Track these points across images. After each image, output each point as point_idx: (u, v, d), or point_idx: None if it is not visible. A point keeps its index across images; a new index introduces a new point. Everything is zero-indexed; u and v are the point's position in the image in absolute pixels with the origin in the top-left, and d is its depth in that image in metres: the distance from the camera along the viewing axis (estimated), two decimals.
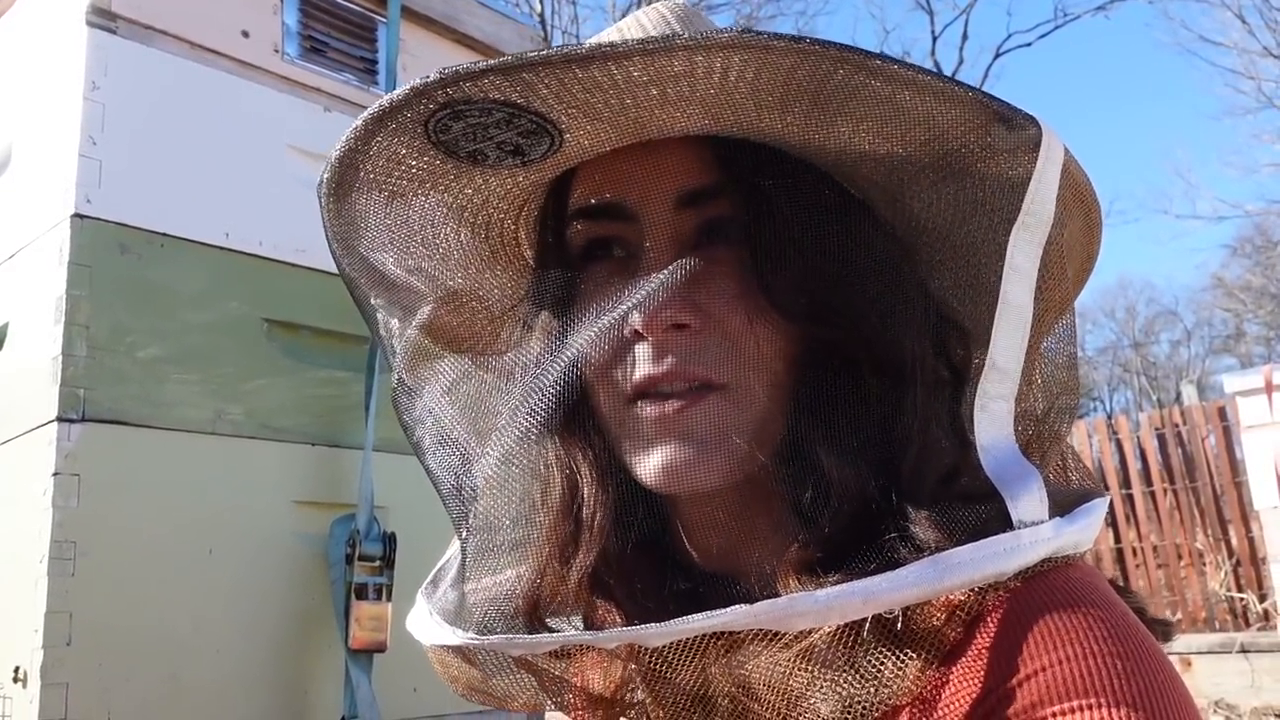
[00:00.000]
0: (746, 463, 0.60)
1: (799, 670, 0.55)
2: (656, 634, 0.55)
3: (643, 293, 0.60)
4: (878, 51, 0.54)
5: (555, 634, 0.62)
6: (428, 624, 0.66)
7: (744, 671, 0.56)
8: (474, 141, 0.61)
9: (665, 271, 0.60)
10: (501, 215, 0.70)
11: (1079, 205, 0.60)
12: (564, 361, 0.61)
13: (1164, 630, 0.62)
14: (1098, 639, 0.52)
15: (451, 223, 0.69)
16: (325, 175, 0.64)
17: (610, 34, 0.70)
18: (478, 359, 0.74)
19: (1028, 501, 0.54)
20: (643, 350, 0.61)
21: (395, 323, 0.73)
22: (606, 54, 0.52)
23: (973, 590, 0.53)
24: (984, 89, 0.55)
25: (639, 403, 0.62)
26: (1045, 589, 0.55)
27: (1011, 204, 0.56)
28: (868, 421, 0.59)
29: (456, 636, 0.63)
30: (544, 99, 0.56)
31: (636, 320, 0.59)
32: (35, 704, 1.48)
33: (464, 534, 0.67)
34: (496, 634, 0.62)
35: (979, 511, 0.54)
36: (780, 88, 0.56)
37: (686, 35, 0.51)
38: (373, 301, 0.72)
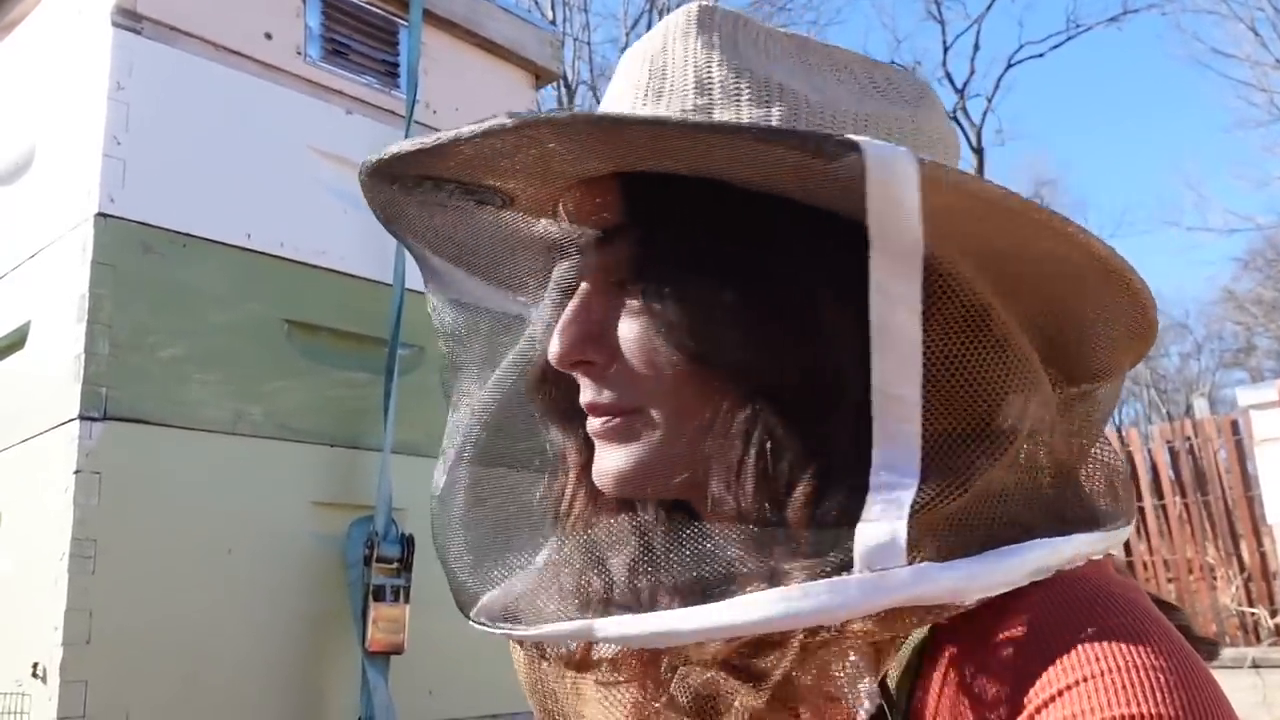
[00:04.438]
0: (660, 483, 0.64)
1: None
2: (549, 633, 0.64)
3: (553, 330, 0.65)
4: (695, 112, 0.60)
5: (495, 627, 0.69)
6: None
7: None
8: (451, 198, 0.67)
9: (570, 310, 0.65)
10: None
11: (991, 214, 0.54)
12: (509, 379, 0.72)
13: (1209, 649, 0.61)
14: (1142, 652, 0.51)
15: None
16: (380, 218, 0.71)
17: (640, 49, 0.68)
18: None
19: (879, 545, 0.51)
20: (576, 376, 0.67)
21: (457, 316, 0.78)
22: (445, 141, 0.58)
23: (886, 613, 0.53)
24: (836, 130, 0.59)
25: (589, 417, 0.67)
26: (1087, 600, 0.55)
27: (869, 231, 0.51)
28: (757, 445, 0.59)
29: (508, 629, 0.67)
30: (451, 171, 0.63)
31: (550, 356, 0.65)
32: (54, 701, 1.48)
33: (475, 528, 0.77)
34: (501, 625, 0.68)
35: (835, 549, 0.53)
36: (620, 150, 0.59)
37: (502, 117, 0.55)
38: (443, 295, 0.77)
